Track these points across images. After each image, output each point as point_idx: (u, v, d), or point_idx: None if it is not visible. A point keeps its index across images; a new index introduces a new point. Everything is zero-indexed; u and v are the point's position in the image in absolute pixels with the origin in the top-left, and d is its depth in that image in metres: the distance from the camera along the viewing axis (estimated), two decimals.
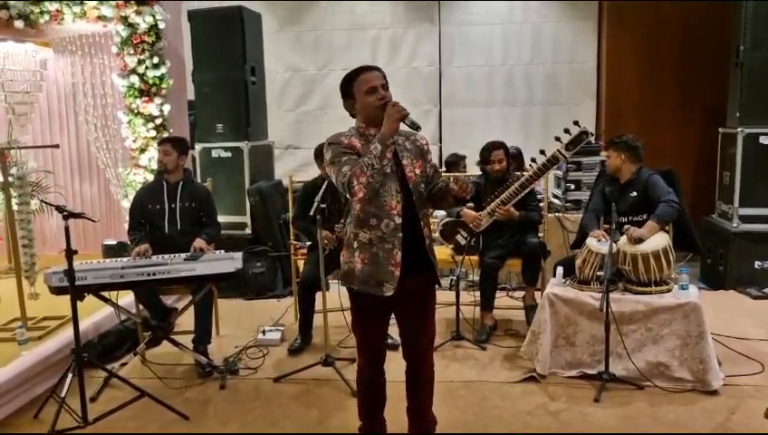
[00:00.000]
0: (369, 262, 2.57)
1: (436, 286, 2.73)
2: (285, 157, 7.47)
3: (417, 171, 2.58)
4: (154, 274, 3.51)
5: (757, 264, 5.44)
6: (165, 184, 4.12)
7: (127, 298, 4.16)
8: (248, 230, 5.91)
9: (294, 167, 7.27)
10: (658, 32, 6.91)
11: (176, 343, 3.85)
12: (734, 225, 5.49)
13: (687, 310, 3.51)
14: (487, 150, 4.51)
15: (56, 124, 6.46)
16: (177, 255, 3.72)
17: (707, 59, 6.61)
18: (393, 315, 2.75)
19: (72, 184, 6.54)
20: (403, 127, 2.50)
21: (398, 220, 2.52)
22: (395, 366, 2.86)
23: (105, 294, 3.62)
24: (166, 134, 5.68)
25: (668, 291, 3.63)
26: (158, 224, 4.08)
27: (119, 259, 3.69)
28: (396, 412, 2.92)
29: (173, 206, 4.09)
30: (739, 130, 5.41)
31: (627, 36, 7.03)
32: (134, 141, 5.70)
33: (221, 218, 5.85)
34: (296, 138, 7.50)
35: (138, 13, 5.50)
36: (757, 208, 5.44)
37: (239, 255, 3.68)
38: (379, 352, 2.76)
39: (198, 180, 5.85)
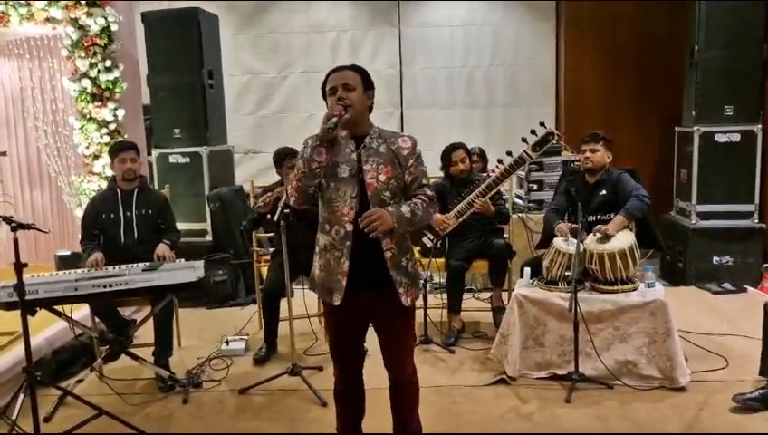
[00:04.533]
0: (323, 268, 2.52)
1: (406, 303, 2.49)
2: (245, 162, 7.31)
3: (382, 178, 2.42)
4: (110, 285, 3.35)
5: (716, 259, 5.54)
6: (119, 192, 3.96)
7: (83, 311, 3.98)
8: (209, 237, 5.75)
9: (255, 172, 7.12)
10: (616, 33, 6.99)
11: (135, 357, 3.70)
12: (693, 222, 5.59)
13: (654, 308, 3.53)
14: (448, 153, 4.49)
15: (3, 130, 6.18)
16: (134, 265, 3.57)
17: (664, 59, 6.70)
18: None
19: (23, 193, 6.26)
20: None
21: (349, 228, 2.41)
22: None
23: (59, 307, 3.45)
24: (120, 140, 5.50)
25: (635, 289, 3.65)
26: (114, 234, 3.92)
27: (72, 271, 3.52)
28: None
29: (129, 214, 3.93)
30: (695, 128, 5.52)
31: (585, 37, 7.09)
32: (87, 148, 5.48)
33: (180, 226, 5.65)
34: (256, 142, 7.36)
35: (89, 15, 5.30)
36: (714, 205, 5.56)
37: (200, 263, 3.56)
38: (349, 362, 2.67)
39: (156, 187, 5.70)
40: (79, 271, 3.54)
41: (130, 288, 3.37)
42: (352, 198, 2.42)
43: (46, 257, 5.96)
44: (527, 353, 3.72)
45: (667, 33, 6.66)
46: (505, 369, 3.72)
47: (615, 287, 3.63)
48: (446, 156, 4.49)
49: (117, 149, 4.00)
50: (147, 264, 3.59)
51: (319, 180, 2.43)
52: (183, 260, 3.78)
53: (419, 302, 4.26)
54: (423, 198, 2.49)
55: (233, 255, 5.64)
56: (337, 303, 2.47)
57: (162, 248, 3.81)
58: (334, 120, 2.35)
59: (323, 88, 2.51)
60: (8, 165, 6.21)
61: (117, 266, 3.60)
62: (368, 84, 2.52)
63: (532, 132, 4.02)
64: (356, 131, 2.49)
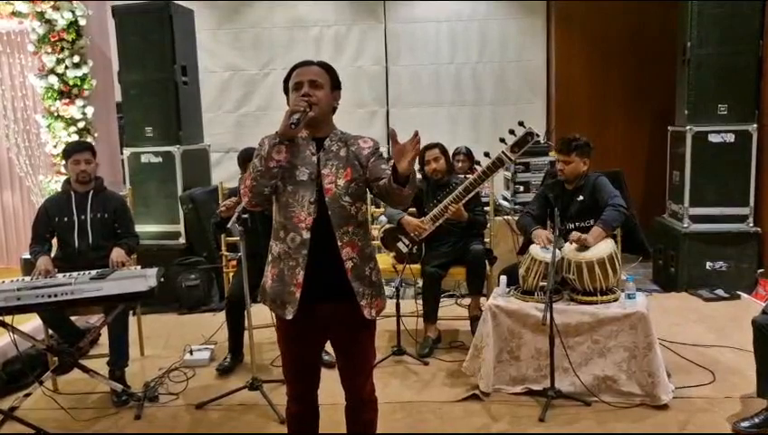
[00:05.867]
0: (276, 279, 2.32)
1: (370, 316, 2.31)
2: (225, 161, 7.10)
3: (341, 182, 2.24)
4: (56, 295, 3.14)
5: (708, 265, 5.33)
6: (73, 194, 3.76)
7: (36, 320, 3.79)
8: (182, 240, 5.56)
9: (235, 172, 6.87)
10: (607, 29, 6.80)
11: (86, 370, 3.49)
12: (685, 225, 5.37)
13: (635, 320, 3.31)
14: (421, 152, 4.28)
15: None
16: (83, 273, 3.38)
17: (656, 56, 6.51)
18: None
19: None
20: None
21: (306, 235, 2.23)
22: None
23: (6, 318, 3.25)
24: (90, 139, 5.30)
25: (615, 300, 3.43)
26: (67, 238, 3.73)
27: (15, 279, 3.33)
28: None
29: (83, 217, 3.73)
30: (688, 128, 5.30)
31: (575, 34, 6.90)
32: (55, 147, 5.28)
33: (153, 228, 5.57)
34: (237, 141, 7.13)
35: (55, 8, 5.10)
36: (708, 208, 5.33)
37: (153, 272, 3.35)
38: (304, 382, 2.45)
39: (127, 187, 5.51)
40: (24, 279, 3.34)
41: (76, 298, 3.16)
42: (311, 204, 2.24)
43: (17, 260, 5.78)
44: (501, 367, 3.51)
45: (660, 28, 6.48)
46: (478, 383, 3.52)
47: (594, 298, 3.42)
48: (420, 156, 4.28)
49: (71, 151, 3.81)
50: (96, 272, 3.39)
51: (276, 181, 2.25)
52: (139, 267, 3.58)
53: (391, 310, 4.13)
54: None
55: (206, 258, 5.44)
56: (289, 317, 2.28)
57: (117, 253, 3.61)
58: (297, 115, 2.16)
59: (286, 82, 2.33)
60: None
61: (68, 274, 3.42)
62: (335, 84, 2.34)
63: (511, 132, 3.81)
64: (318, 133, 2.32)
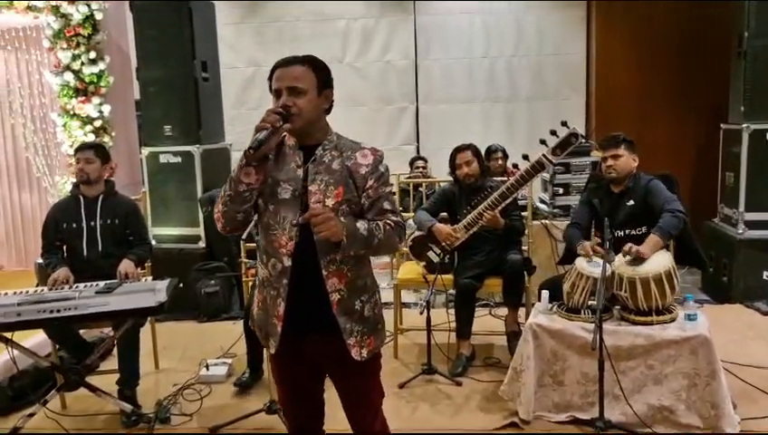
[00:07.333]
0: (261, 306, 2.05)
1: (358, 356, 1.98)
2: None
3: (330, 202, 1.91)
4: (58, 310, 2.89)
5: (766, 274, 4.90)
6: (82, 199, 3.53)
7: (43, 333, 3.56)
8: (202, 244, 5.31)
9: None
10: (652, 19, 6.40)
11: (93, 389, 3.25)
12: (740, 231, 4.95)
13: (696, 344, 2.95)
14: (453, 155, 3.98)
15: None
16: (88, 284, 3.14)
17: (706, 48, 6.12)
18: None
19: (10, 194, 5.92)
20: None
21: (287, 262, 1.92)
22: None
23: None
24: (107, 138, 5.09)
25: (672, 320, 3.07)
26: (76, 246, 3.50)
27: (16, 292, 3.10)
28: None
29: (92, 224, 3.50)
30: (744, 125, 4.89)
31: (618, 25, 6.52)
32: (71, 146, 5.10)
33: (172, 231, 5.33)
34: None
35: (71, 2, 4.90)
36: (765, 213, 4.90)
37: (163, 284, 3.10)
38: (303, 418, 2.17)
39: (146, 188, 5.29)
40: (26, 292, 3.11)
41: (80, 314, 2.91)
42: (293, 226, 1.92)
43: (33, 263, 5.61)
44: (543, 392, 3.18)
45: (711, 18, 6.06)
46: (518, 410, 3.19)
47: (649, 318, 3.06)
48: (452, 159, 3.97)
49: (75, 150, 3.58)
50: (103, 284, 3.14)
51: (249, 205, 1.94)
52: (149, 279, 3.34)
53: (420, 321, 3.80)
54: (388, 221, 1.96)
55: (227, 264, 5.19)
56: (272, 351, 2.02)
57: (125, 265, 3.37)
58: (261, 135, 1.82)
59: (269, 82, 2.00)
60: None
61: (74, 286, 3.19)
62: (325, 83, 1.98)
63: (553, 133, 3.47)
64: (306, 140, 1.98)
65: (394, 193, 4.71)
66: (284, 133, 1.94)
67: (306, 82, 1.92)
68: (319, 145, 1.97)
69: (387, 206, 1.97)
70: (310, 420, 2.17)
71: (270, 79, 1.98)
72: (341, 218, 1.88)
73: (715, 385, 2.92)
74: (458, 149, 3.97)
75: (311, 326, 1.97)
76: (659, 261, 3.10)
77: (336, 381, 2.11)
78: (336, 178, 1.93)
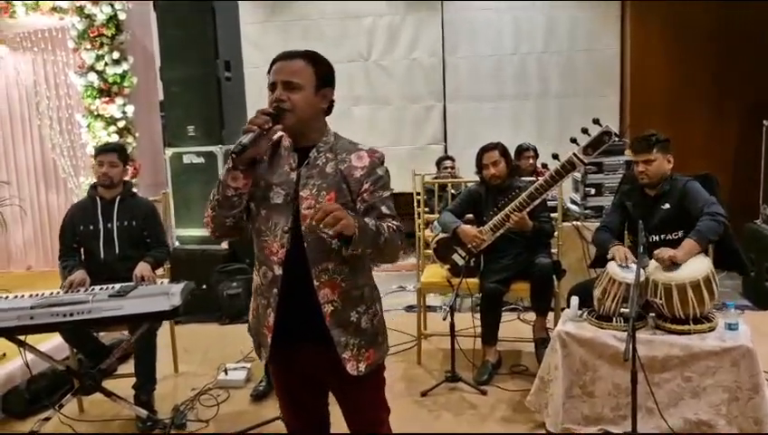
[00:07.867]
0: (255, 315, 1.96)
1: (354, 371, 1.86)
2: None
3: None
4: (71, 314, 2.84)
5: None
6: (99, 200, 3.48)
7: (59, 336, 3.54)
8: (224, 245, 5.26)
9: None
10: (690, 13, 6.15)
11: (108, 394, 3.19)
12: None
13: (737, 356, 2.76)
14: (479, 155, 3.85)
15: (18, 128, 5.88)
16: (103, 287, 3.08)
17: (748, 42, 5.88)
18: None
19: (38, 194, 5.96)
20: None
21: (278, 271, 1.81)
22: None
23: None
24: (131, 139, 5.07)
25: (711, 330, 2.89)
26: (93, 248, 3.45)
27: (32, 295, 3.05)
28: None
29: (109, 226, 3.45)
30: None
31: (653, 20, 6.29)
32: (95, 147, 5.08)
33: (195, 232, 5.29)
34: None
35: (95, 2, 4.89)
36: None
37: (178, 288, 3.02)
38: (305, 430, 2.07)
39: (169, 189, 5.26)
40: (42, 294, 3.07)
41: (94, 317, 2.86)
42: (285, 232, 1.81)
43: None
44: (572, 404, 3.02)
45: (753, 10, 5.80)
46: (545, 421, 3.04)
47: (686, 327, 2.87)
48: (478, 158, 3.83)
49: (97, 151, 3.55)
50: (117, 287, 3.08)
51: (238, 211, 1.84)
52: (166, 281, 3.28)
53: (445, 326, 3.65)
54: (390, 224, 1.83)
55: (249, 265, 5.11)
56: (263, 361, 1.95)
57: (141, 268, 3.30)
58: (246, 138, 1.72)
59: (269, 73, 1.89)
60: (23, 165, 5.92)
61: (90, 288, 3.14)
62: (325, 81, 1.87)
63: (584, 131, 3.30)
64: (301, 142, 1.87)
65: (418, 194, 4.58)
66: (281, 133, 1.84)
67: (303, 78, 1.82)
68: (313, 147, 1.87)
69: (386, 211, 1.85)
70: (309, 433, 2.06)
71: (269, 72, 1.88)
72: (350, 213, 1.75)
73: (758, 399, 2.74)
74: (485, 149, 3.84)
75: (303, 336, 1.87)
76: (697, 267, 2.91)
77: (335, 395, 2.01)
78: (329, 183, 1.82)
